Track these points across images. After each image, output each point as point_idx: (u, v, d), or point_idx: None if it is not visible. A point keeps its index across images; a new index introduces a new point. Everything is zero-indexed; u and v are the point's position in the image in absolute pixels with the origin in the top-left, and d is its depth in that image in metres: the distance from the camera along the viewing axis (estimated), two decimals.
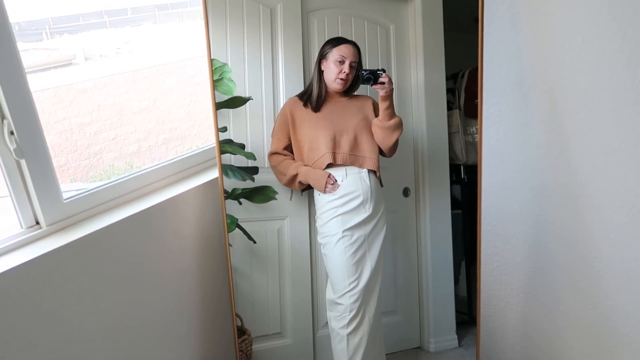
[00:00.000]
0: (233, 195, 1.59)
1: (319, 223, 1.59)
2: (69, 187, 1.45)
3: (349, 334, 1.55)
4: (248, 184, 1.61)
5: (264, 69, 1.61)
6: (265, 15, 1.60)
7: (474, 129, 1.77)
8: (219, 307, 1.76)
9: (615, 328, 1.60)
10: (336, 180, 1.54)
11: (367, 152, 1.56)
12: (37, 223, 1.32)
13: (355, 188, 1.54)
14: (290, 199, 1.67)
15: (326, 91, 1.59)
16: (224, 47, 1.55)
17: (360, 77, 1.52)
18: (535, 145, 1.65)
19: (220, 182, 1.55)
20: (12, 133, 1.21)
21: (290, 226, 1.68)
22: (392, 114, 1.54)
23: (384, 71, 1.49)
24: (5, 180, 1.25)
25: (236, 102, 1.57)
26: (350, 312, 1.54)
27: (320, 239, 1.60)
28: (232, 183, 1.59)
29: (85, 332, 1.34)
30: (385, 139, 1.56)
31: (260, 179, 1.62)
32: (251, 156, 1.60)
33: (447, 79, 1.78)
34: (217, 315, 1.76)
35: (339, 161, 1.55)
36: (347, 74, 1.55)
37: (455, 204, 1.87)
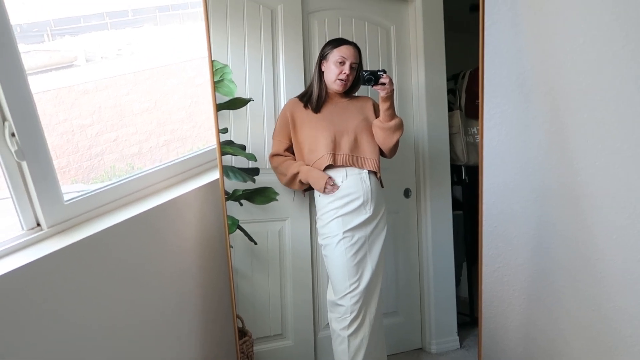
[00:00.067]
0: (234, 196, 1.59)
1: (319, 224, 1.59)
2: (70, 189, 1.45)
3: (350, 336, 1.55)
4: (249, 185, 1.61)
5: (265, 70, 1.61)
6: (266, 17, 1.60)
7: (475, 129, 1.77)
8: (219, 309, 1.76)
9: (617, 329, 1.60)
10: (334, 183, 1.54)
11: (368, 153, 1.56)
12: (38, 225, 1.32)
13: (356, 189, 1.54)
14: (293, 200, 1.67)
15: (326, 92, 1.59)
16: (224, 49, 1.55)
17: (360, 78, 1.52)
18: (536, 146, 1.64)
19: (221, 184, 1.55)
20: (13, 135, 1.21)
21: (291, 227, 1.68)
22: (392, 115, 1.54)
23: (385, 72, 1.49)
24: (7, 182, 1.25)
25: (237, 103, 1.57)
26: (351, 313, 1.54)
27: (320, 240, 1.60)
28: (233, 184, 1.59)
29: (86, 334, 1.33)
30: (385, 140, 1.56)
31: (261, 180, 1.62)
32: (252, 157, 1.60)
33: (448, 79, 1.78)
34: (218, 316, 1.76)
35: (339, 162, 1.54)
36: (347, 75, 1.55)
37: (456, 204, 1.87)
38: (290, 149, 1.61)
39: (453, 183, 1.85)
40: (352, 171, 1.56)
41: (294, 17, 1.62)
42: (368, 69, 1.54)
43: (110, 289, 1.39)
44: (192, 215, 1.61)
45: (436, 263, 1.85)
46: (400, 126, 1.56)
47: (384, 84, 1.48)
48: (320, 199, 1.57)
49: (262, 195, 1.63)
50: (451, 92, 1.79)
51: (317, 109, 1.57)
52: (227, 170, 1.57)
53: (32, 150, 1.25)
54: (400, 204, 1.81)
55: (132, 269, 1.44)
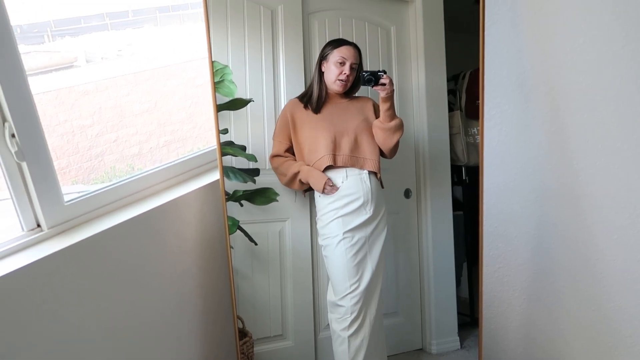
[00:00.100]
0: (234, 197, 1.59)
1: (319, 225, 1.59)
2: (70, 190, 1.45)
3: (350, 336, 1.55)
4: (249, 186, 1.61)
5: (265, 71, 1.61)
6: (266, 17, 1.60)
7: (475, 130, 1.77)
8: (220, 309, 1.76)
9: (617, 329, 1.59)
10: (334, 184, 1.54)
11: (368, 153, 1.56)
12: (39, 226, 1.32)
13: (356, 190, 1.54)
14: (295, 201, 1.67)
15: (326, 92, 1.59)
16: (225, 49, 1.55)
17: (361, 78, 1.52)
18: (536, 146, 1.64)
19: (222, 184, 1.55)
20: (13, 136, 1.21)
21: (291, 228, 1.68)
22: (393, 116, 1.54)
23: (385, 72, 1.49)
24: (7, 183, 1.25)
25: (237, 104, 1.57)
26: (351, 314, 1.54)
27: (321, 241, 1.60)
28: (233, 185, 1.59)
29: (86, 334, 1.33)
30: (386, 141, 1.56)
31: (262, 181, 1.62)
32: (252, 158, 1.60)
33: (448, 80, 1.78)
34: (218, 317, 1.76)
35: (339, 163, 1.54)
36: (347, 76, 1.55)
37: (456, 205, 1.87)
38: (290, 150, 1.60)
39: (453, 183, 1.85)
40: (352, 172, 1.56)
41: (294, 18, 1.62)
42: (368, 70, 1.54)
43: (111, 290, 1.39)
44: (192, 216, 1.61)
45: (436, 263, 1.85)
46: (400, 127, 1.56)
47: (384, 84, 1.48)
48: (320, 199, 1.57)
49: (262, 196, 1.63)
50: (451, 92, 1.79)
51: (317, 110, 1.57)
52: (227, 171, 1.57)
53: (32, 151, 1.25)
54: (400, 205, 1.81)
55: (132, 270, 1.44)
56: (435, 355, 1.88)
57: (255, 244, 1.64)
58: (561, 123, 1.57)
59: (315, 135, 1.55)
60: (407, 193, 1.82)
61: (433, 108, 1.77)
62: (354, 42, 1.57)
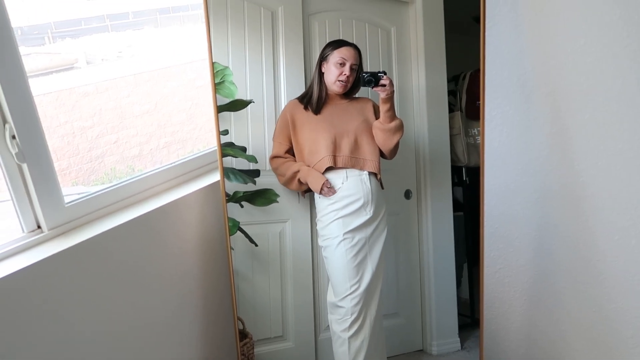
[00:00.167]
0: (235, 198, 1.59)
1: (319, 226, 1.59)
2: (71, 191, 1.45)
3: (350, 337, 1.55)
4: (250, 187, 1.60)
5: (265, 72, 1.61)
6: (267, 18, 1.60)
7: (475, 130, 1.77)
8: (220, 310, 1.75)
9: (618, 330, 1.59)
10: (332, 186, 1.54)
11: (368, 154, 1.56)
12: (39, 227, 1.32)
13: (356, 191, 1.54)
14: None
15: (326, 93, 1.58)
16: (225, 51, 1.55)
17: (361, 79, 1.51)
18: (538, 147, 1.64)
19: (222, 185, 1.55)
20: (13, 137, 1.21)
21: (291, 229, 1.68)
22: (393, 116, 1.54)
23: (385, 73, 1.49)
24: (7, 184, 1.25)
25: (237, 105, 1.57)
26: (351, 315, 1.54)
27: (321, 242, 1.59)
28: (234, 186, 1.59)
29: (87, 336, 1.33)
30: (386, 142, 1.56)
31: (262, 182, 1.62)
32: (252, 159, 1.60)
33: (448, 81, 1.78)
34: (219, 318, 1.76)
35: (339, 164, 1.54)
36: (347, 77, 1.55)
37: (457, 206, 1.87)
38: (290, 151, 1.60)
39: (454, 184, 1.85)
40: (353, 173, 1.55)
41: (295, 19, 1.62)
42: (368, 71, 1.54)
43: (111, 291, 1.39)
44: (192, 217, 1.61)
45: (437, 264, 1.85)
46: (400, 128, 1.55)
47: (384, 85, 1.48)
48: (320, 200, 1.57)
49: (262, 197, 1.63)
50: (452, 93, 1.79)
51: (317, 111, 1.57)
52: (227, 172, 1.57)
53: (32, 153, 1.25)
54: (400, 205, 1.80)
55: (132, 271, 1.44)
56: (436, 356, 1.88)
57: (256, 245, 1.64)
58: (562, 124, 1.57)
59: (315, 137, 1.55)
60: (408, 194, 1.81)
61: (433, 109, 1.77)
62: (354, 43, 1.57)
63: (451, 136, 1.80)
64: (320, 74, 1.58)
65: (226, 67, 1.55)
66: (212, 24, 1.49)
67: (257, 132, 1.62)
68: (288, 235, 1.68)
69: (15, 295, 1.16)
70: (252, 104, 1.59)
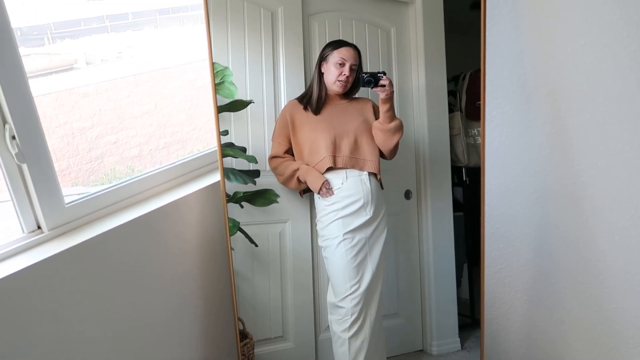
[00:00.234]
0: (235, 198, 1.59)
1: (319, 226, 1.59)
2: (71, 192, 1.45)
3: (350, 338, 1.55)
4: (250, 187, 1.60)
5: (265, 73, 1.61)
6: (266, 19, 1.60)
7: (475, 131, 1.77)
8: (220, 311, 1.75)
9: (618, 331, 1.59)
10: (331, 188, 1.54)
11: (368, 154, 1.56)
12: (39, 227, 1.32)
13: (356, 191, 1.54)
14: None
15: (326, 94, 1.58)
16: (225, 51, 1.55)
17: (360, 79, 1.51)
18: (538, 147, 1.64)
19: (222, 186, 1.55)
20: (13, 137, 1.21)
21: (291, 229, 1.68)
22: (392, 117, 1.54)
23: (385, 74, 1.49)
24: (7, 185, 1.25)
25: (237, 105, 1.57)
26: (351, 315, 1.53)
27: (321, 242, 1.59)
28: (234, 186, 1.59)
29: (87, 336, 1.33)
30: (385, 142, 1.56)
31: (262, 182, 1.62)
32: (252, 159, 1.60)
33: (448, 81, 1.78)
34: (219, 318, 1.76)
35: (339, 164, 1.54)
36: (347, 77, 1.54)
37: (457, 206, 1.87)
38: (289, 151, 1.60)
39: (454, 184, 1.85)
40: (352, 173, 1.55)
41: (294, 19, 1.62)
42: (368, 71, 1.54)
43: (111, 292, 1.38)
44: (192, 217, 1.61)
45: (437, 264, 1.85)
46: (400, 128, 1.55)
47: (383, 85, 1.48)
48: (320, 201, 1.57)
49: (262, 198, 1.63)
50: (451, 93, 1.79)
51: (316, 111, 1.57)
52: (227, 173, 1.57)
53: (32, 153, 1.25)
54: (400, 206, 1.80)
55: (133, 272, 1.44)
56: (436, 356, 1.87)
57: (256, 246, 1.64)
58: (562, 124, 1.57)
59: (315, 137, 1.55)
60: (408, 194, 1.81)
61: (433, 109, 1.77)
62: (354, 43, 1.57)
63: (451, 136, 1.80)
64: (320, 74, 1.58)
65: (226, 68, 1.55)
66: (212, 24, 1.49)
67: (257, 133, 1.62)
68: (288, 235, 1.68)
69: (16, 296, 1.16)
70: (252, 104, 1.59)
